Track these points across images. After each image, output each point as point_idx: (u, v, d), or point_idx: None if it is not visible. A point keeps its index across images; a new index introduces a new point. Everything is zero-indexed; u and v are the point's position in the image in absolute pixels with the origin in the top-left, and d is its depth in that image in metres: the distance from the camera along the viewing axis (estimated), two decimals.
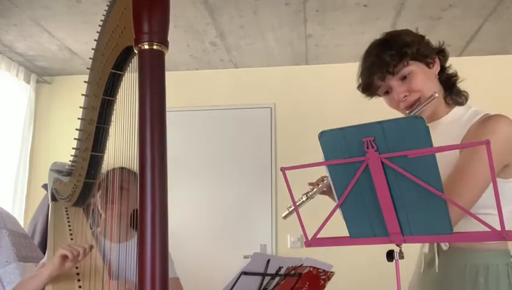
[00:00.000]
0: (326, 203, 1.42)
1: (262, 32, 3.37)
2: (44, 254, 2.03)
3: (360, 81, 1.47)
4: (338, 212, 1.02)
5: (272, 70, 3.99)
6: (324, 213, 1.02)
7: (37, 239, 2.74)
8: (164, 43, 0.99)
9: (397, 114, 0.94)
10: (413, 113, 1.34)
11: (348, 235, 1.04)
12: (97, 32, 1.39)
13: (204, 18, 3.16)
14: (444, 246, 1.36)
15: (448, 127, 1.37)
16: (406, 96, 1.37)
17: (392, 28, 3.26)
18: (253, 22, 3.23)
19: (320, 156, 1.00)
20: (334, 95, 3.84)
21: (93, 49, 1.45)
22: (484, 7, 3.04)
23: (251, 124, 3.91)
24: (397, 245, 0.98)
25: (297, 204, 1.50)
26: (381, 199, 0.95)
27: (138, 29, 0.99)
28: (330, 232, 1.04)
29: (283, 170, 1.02)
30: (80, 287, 1.55)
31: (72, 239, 1.74)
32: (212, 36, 3.44)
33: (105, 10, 1.31)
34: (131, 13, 1.02)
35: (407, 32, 1.41)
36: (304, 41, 3.52)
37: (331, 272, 1.77)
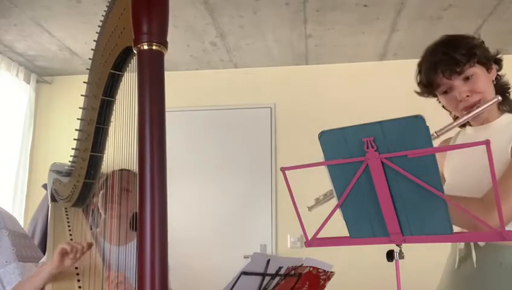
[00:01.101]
0: (326, 203, 1.42)
1: (262, 32, 3.37)
2: (44, 254, 2.03)
3: (419, 78, 1.48)
4: (338, 212, 1.02)
5: (272, 70, 3.99)
6: (324, 213, 1.02)
7: (37, 239, 2.74)
8: (163, 43, 0.99)
9: (397, 114, 0.93)
10: (472, 114, 1.36)
11: (348, 235, 1.04)
12: (97, 32, 1.39)
13: (204, 18, 3.16)
14: (481, 242, 1.36)
15: (498, 131, 1.40)
16: (468, 96, 1.39)
17: (392, 28, 3.27)
18: (253, 22, 3.22)
19: (320, 156, 1.00)
20: (334, 95, 3.84)
21: (92, 49, 1.45)
22: (484, 7, 3.04)
23: (251, 124, 3.91)
24: (397, 245, 0.98)
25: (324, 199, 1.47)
26: (381, 199, 0.95)
27: (137, 30, 0.99)
28: (330, 232, 1.04)
29: (283, 170, 1.02)
30: (79, 287, 1.55)
31: (71, 239, 1.75)
32: (212, 36, 3.44)
33: (105, 11, 1.31)
34: (130, 14, 1.02)
35: (469, 35, 1.45)
36: (304, 41, 3.52)
37: (331, 272, 1.77)
